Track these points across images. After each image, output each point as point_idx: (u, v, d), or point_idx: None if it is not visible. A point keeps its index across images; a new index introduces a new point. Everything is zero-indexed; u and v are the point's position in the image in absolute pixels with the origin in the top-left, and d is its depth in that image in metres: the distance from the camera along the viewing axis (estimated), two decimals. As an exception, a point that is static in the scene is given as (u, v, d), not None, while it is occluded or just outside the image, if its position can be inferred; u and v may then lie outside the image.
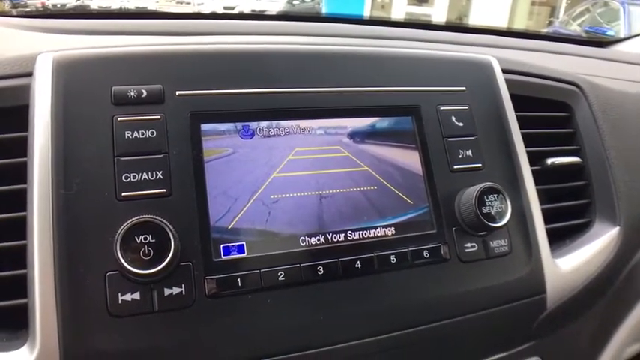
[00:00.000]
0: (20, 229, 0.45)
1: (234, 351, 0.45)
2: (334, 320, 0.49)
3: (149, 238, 0.42)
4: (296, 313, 0.48)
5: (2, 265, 0.46)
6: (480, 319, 0.54)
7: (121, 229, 0.42)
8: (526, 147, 0.63)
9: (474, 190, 0.53)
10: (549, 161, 0.67)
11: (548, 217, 0.62)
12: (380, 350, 0.50)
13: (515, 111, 0.64)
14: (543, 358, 0.64)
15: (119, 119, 0.47)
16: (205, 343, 0.45)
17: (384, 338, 0.50)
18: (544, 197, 0.64)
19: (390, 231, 0.52)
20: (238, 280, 0.46)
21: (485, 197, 0.53)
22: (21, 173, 0.46)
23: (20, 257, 0.45)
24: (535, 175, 0.63)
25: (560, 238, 0.65)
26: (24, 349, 0.42)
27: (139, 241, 0.42)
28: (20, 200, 0.46)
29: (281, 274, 0.47)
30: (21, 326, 0.44)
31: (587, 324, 0.70)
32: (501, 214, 0.54)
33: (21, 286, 0.44)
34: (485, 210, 0.53)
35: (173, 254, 0.42)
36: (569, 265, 0.62)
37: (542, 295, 0.58)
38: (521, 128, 0.64)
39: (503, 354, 0.60)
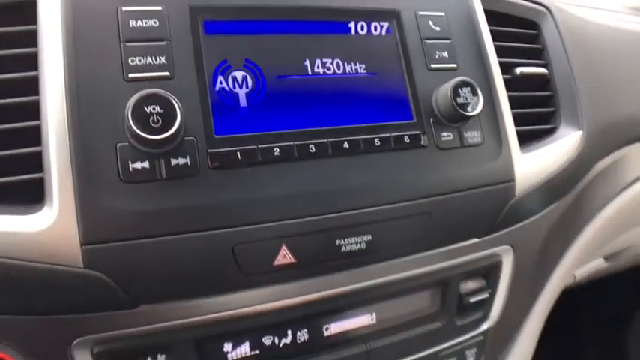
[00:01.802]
0: (35, 113, 0.49)
1: (233, 215, 0.50)
2: (326, 192, 0.54)
3: (157, 108, 0.47)
4: (291, 185, 0.53)
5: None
6: (455, 200, 0.60)
7: (132, 99, 0.46)
8: (497, 58, 0.69)
9: (449, 83, 0.59)
10: (518, 70, 0.73)
11: (516, 122, 0.68)
12: (365, 222, 0.56)
13: (488, 25, 0.70)
14: (513, 247, 0.71)
15: (123, 9, 0.51)
16: (208, 208, 0.50)
17: (371, 212, 0.56)
18: (513, 104, 0.70)
19: (375, 119, 0.58)
20: (238, 154, 0.51)
21: (459, 89, 0.59)
22: (33, 61, 0.50)
23: (36, 138, 0.49)
24: (505, 83, 0.69)
25: (527, 140, 0.71)
26: (43, 212, 0.46)
27: (148, 111, 0.46)
28: (33, 86, 0.50)
29: (276, 150, 0.52)
30: (37, 202, 0.49)
31: (548, 222, 0.76)
32: (474, 105, 0.59)
33: (36, 165, 0.48)
34: (460, 100, 0.59)
35: (180, 123, 0.47)
36: (535, 159, 0.68)
37: (511, 182, 0.64)
38: (493, 41, 0.70)
39: (477, 240, 0.66)
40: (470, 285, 0.69)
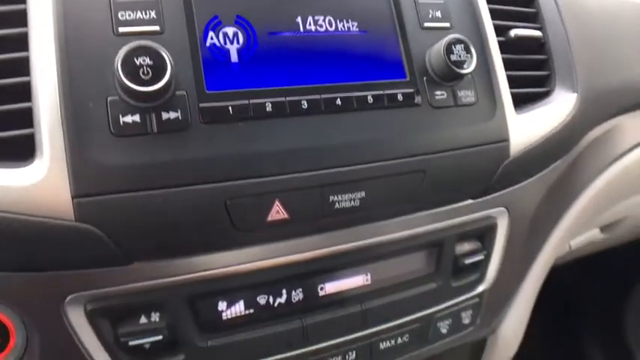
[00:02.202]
0: (25, 69, 0.49)
1: (225, 169, 0.50)
2: (318, 148, 0.54)
3: (147, 60, 0.46)
4: (283, 140, 0.52)
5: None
6: (449, 159, 0.60)
7: (122, 51, 0.45)
8: (492, 20, 0.69)
9: (443, 40, 0.58)
10: (512, 33, 0.72)
11: (511, 84, 0.68)
12: (359, 179, 0.55)
13: None
14: (508, 209, 0.71)
15: None
16: (199, 162, 0.49)
17: (364, 168, 0.55)
18: (507, 66, 0.69)
19: (367, 77, 0.57)
20: (229, 108, 0.51)
21: (453, 47, 0.58)
22: (22, 18, 0.49)
23: (26, 94, 0.48)
24: (500, 45, 0.68)
25: (522, 103, 0.71)
26: (34, 166, 0.46)
27: (138, 63, 0.46)
28: (23, 43, 0.49)
29: (268, 105, 0.52)
30: (28, 158, 0.48)
31: (543, 187, 0.76)
32: (467, 62, 0.59)
33: (27, 121, 0.48)
34: (454, 58, 0.58)
35: (170, 75, 0.46)
36: (530, 120, 0.68)
37: (505, 142, 0.64)
38: (487, 3, 0.69)
39: (472, 201, 0.66)
40: (465, 247, 0.69)
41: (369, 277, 0.63)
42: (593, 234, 1.07)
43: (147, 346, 0.54)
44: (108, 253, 0.48)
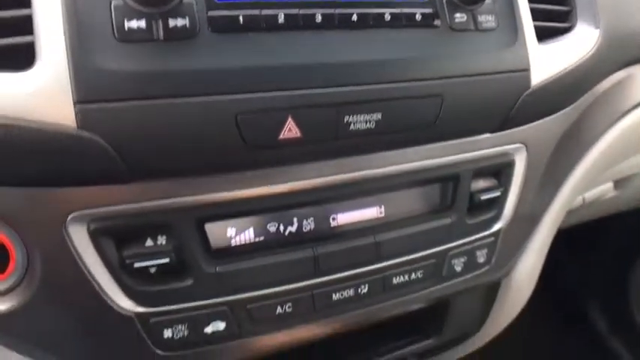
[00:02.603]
0: None
1: (236, 81, 0.47)
2: (334, 64, 0.51)
3: None
4: (296, 54, 0.49)
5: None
6: (468, 85, 0.57)
7: None
8: None
9: None
10: (535, -37, 0.69)
11: (532, 17, 0.65)
12: (376, 99, 0.53)
13: None
14: (526, 146, 0.68)
15: None
16: (208, 72, 0.46)
17: (381, 88, 0.53)
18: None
19: None
20: (240, 18, 0.48)
21: None
22: None
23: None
24: None
25: (543, 36, 0.68)
26: (35, 70, 0.43)
27: None
28: None
29: (281, 16, 0.49)
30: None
31: (560, 128, 0.74)
32: None
33: (28, 29, 0.45)
34: None
35: None
36: (551, 52, 0.65)
37: (526, 71, 0.61)
38: None
39: (489, 135, 0.64)
40: (481, 183, 0.67)
41: (382, 209, 0.61)
42: (606, 188, 1.04)
43: (152, 270, 0.52)
44: (112, 167, 0.45)
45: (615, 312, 1.79)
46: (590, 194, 1.00)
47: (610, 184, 1.05)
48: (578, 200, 0.99)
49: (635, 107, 0.90)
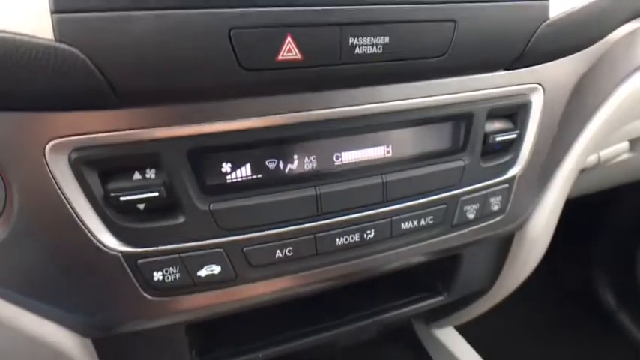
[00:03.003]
0: None
1: None
2: None
3: None
4: None
5: None
6: (483, 11, 0.52)
7: None
8: None
9: None
10: None
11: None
12: (383, 20, 0.48)
13: None
14: (543, 87, 0.63)
15: None
16: None
17: (390, 9, 0.48)
18: None
19: None
20: None
21: None
22: None
23: None
24: None
25: None
26: None
27: None
28: None
29: None
30: None
31: (577, 70, 0.69)
32: None
33: None
34: None
35: None
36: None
37: (545, 0, 0.56)
38: None
39: (504, 72, 0.59)
40: (496, 125, 0.62)
41: (390, 148, 0.57)
42: (622, 148, 1.00)
43: (141, 206, 0.48)
44: (93, 85, 0.41)
45: (623, 287, 1.75)
46: (605, 153, 0.96)
47: (625, 144, 1.01)
48: (593, 159, 0.94)
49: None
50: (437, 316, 1.01)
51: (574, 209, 1.79)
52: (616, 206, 1.72)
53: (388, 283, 0.80)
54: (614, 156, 0.99)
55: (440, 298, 0.79)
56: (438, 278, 0.80)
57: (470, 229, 0.64)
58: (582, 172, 0.99)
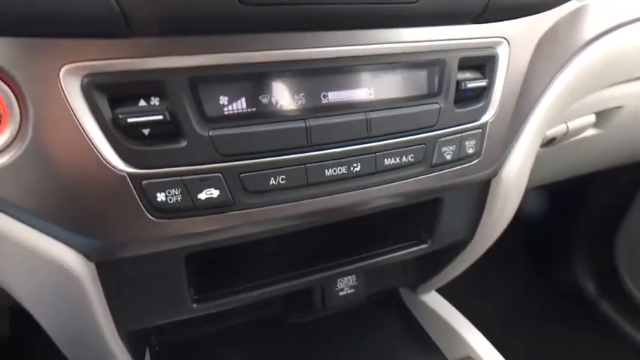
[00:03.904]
0: None
1: None
2: None
3: None
4: None
5: None
6: None
7: None
8: None
9: None
10: None
11: None
12: None
13: None
14: (508, 42, 0.70)
15: None
16: None
17: None
18: None
19: None
20: None
21: None
22: None
23: None
24: None
25: None
26: None
27: None
28: None
29: None
30: None
31: (540, 30, 0.76)
32: None
33: None
34: None
35: None
36: None
37: None
38: None
39: (472, 25, 0.66)
40: (467, 75, 0.69)
41: (372, 91, 0.62)
42: (588, 120, 1.07)
43: (146, 131, 0.52)
44: (107, 13, 0.46)
45: (604, 275, 1.81)
46: (574, 124, 1.02)
47: (592, 117, 1.08)
48: (562, 128, 1.01)
49: (614, 28, 0.90)
50: (424, 278, 1.05)
51: (554, 198, 1.86)
52: (594, 194, 1.79)
53: (377, 233, 0.85)
54: (582, 127, 1.06)
55: (424, 245, 0.84)
56: (422, 228, 0.85)
57: (448, 170, 0.70)
58: (555, 144, 1.05)
